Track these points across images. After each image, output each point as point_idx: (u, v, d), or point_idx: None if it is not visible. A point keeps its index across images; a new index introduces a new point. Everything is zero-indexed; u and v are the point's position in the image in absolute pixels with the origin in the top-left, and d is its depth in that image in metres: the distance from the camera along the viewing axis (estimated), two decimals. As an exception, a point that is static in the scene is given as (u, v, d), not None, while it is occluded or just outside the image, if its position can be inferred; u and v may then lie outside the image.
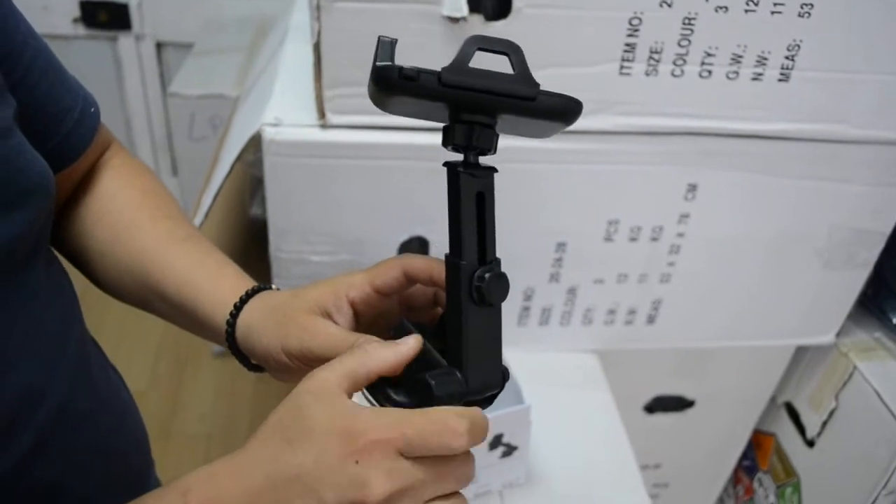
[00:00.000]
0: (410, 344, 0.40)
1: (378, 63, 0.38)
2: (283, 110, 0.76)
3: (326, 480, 0.35)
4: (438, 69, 0.38)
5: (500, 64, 0.39)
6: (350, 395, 0.38)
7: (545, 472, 0.84)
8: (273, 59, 0.94)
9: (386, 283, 0.45)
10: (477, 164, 0.41)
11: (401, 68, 0.37)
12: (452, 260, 0.40)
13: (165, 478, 0.51)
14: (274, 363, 0.46)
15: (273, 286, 0.52)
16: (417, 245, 0.83)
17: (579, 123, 0.75)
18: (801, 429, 1.05)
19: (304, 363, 0.44)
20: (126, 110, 2.12)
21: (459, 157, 0.41)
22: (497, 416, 0.73)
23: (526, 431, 0.77)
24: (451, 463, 0.37)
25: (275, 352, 0.45)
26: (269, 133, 0.74)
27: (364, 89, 0.75)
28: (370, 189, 0.78)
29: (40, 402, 0.43)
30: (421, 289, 0.47)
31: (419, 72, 0.37)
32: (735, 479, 1.23)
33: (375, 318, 0.47)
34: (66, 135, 0.49)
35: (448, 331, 0.41)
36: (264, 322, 0.47)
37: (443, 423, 0.36)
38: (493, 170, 0.41)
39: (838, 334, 0.98)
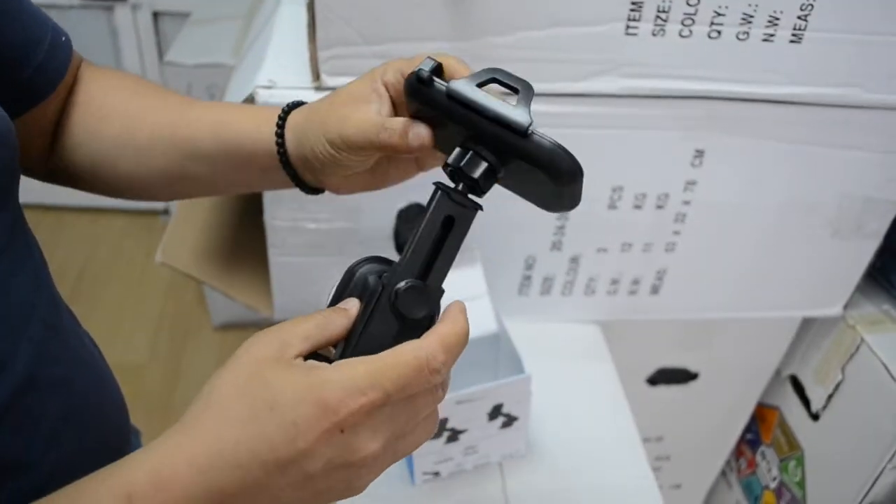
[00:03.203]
0: (354, 303, 0.40)
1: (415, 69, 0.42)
2: (277, 72, 0.74)
3: (313, 454, 0.34)
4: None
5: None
6: (305, 358, 0.37)
7: (546, 444, 0.83)
8: (268, 22, 0.91)
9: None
10: (463, 193, 0.41)
11: (420, 72, 0.41)
12: (392, 266, 0.41)
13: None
14: (324, 160, 0.47)
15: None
16: (416, 211, 0.81)
17: (582, 85, 0.74)
18: (805, 402, 1.04)
19: (347, 150, 0.46)
20: (123, 80, 2.09)
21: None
22: (497, 385, 0.72)
23: (526, 402, 0.76)
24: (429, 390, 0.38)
25: (321, 148, 0.46)
26: (262, 95, 0.72)
27: (359, 49, 0.72)
28: (367, 154, 0.76)
29: (4, 370, 0.41)
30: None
31: (432, 79, 0.41)
32: (738, 453, 1.22)
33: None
34: (37, 67, 0.48)
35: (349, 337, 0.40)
36: (308, 121, 0.48)
37: (417, 363, 0.35)
38: (477, 207, 0.41)
39: (846, 306, 0.96)
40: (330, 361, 0.38)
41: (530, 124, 0.39)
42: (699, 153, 0.80)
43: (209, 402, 0.36)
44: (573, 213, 0.83)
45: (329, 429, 0.34)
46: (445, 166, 0.42)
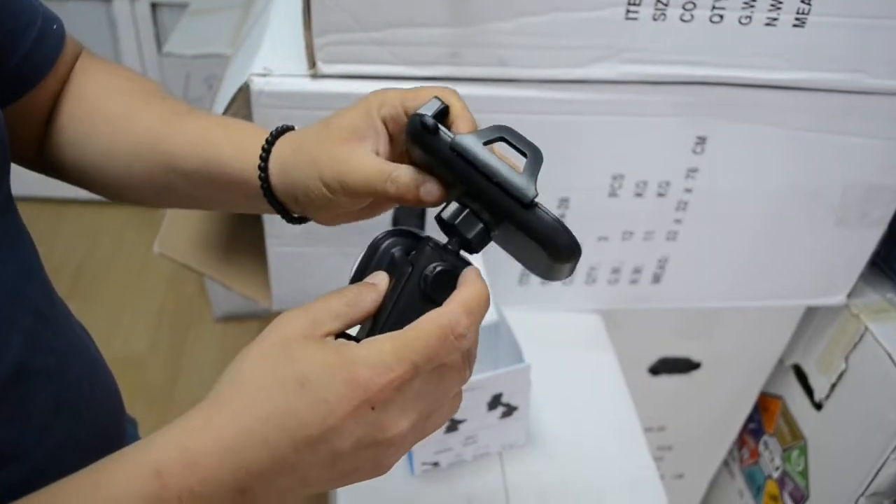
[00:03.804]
0: (382, 277, 0.39)
1: (417, 111, 0.40)
2: (273, 60, 0.73)
3: (343, 431, 0.34)
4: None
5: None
6: (336, 336, 0.36)
7: (546, 435, 0.83)
8: (265, 10, 0.91)
9: (418, 106, 0.42)
10: (456, 252, 0.40)
11: (424, 118, 0.39)
12: (413, 240, 0.40)
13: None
14: (315, 200, 0.44)
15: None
16: (414, 200, 0.81)
17: (582, 72, 0.73)
18: (808, 391, 1.03)
19: (346, 195, 0.43)
20: (122, 72, 2.09)
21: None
22: (496, 375, 0.71)
23: (526, 391, 0.75)
24: (454, 361, 0.37)
25: (314, 186, 0.43)
26: (257, 84, 0.71)
27: (355, 35, 0.71)
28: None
29: None
30: None
31: (438, 128, 0.39)
32: (740, 442, 1.21)
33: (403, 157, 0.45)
34: (25, 55, 0.47)
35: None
36: (297, 158, 0.44)
37: (441, 331, 0.35)
38: (468, 264, 0.40)
39: (850, 295, 0.96)
40: (357, 340, 0.37)
41: (535, 197, 0.38)
42: (701, 140, 0.79)
43: (238, 379, 0.35)
44: (573, 200, 0.82)
45: (359, 406, 0.33)
46: (439, 219, 0.40)
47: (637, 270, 0.90)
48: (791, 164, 0.82)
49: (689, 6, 0.68)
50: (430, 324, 0.35)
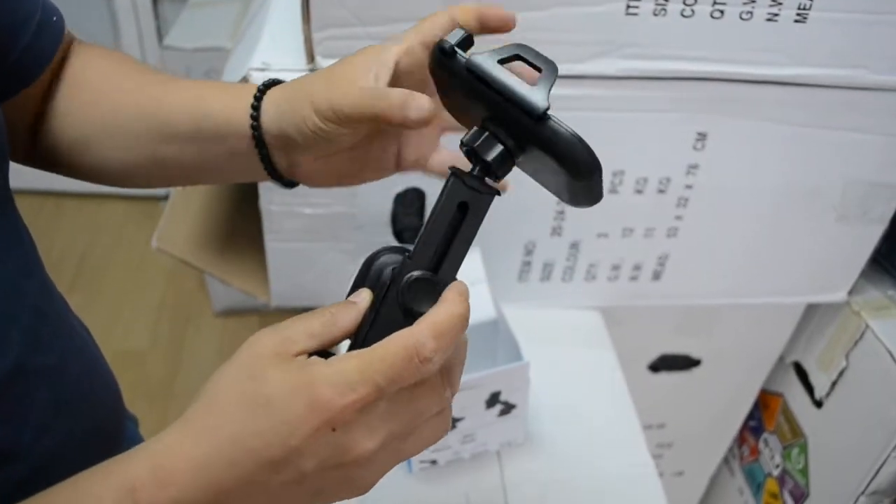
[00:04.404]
0: (365, 295, 0.38)
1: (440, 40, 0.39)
2: (272, 54, 0.73)
3: (305, 452, 0.33)
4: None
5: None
6: (309, 355, 0.36)
7: (545, 432, 0.83)
8: (265, 4, 0.90)
9: (434, 33, 0.42)
10: (478, 178, 0.38)
11: (443, 43, 0.38)
12: (403, 258, 0.38)
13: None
14: (307, 135, 0.42)
15: None
16: (414, 195, 0.80)
17: (582, 67, 0.73)
18: (809, 389, 1.03)
19: (337, 122, 0.41)
20: (123, 65, 2.09)
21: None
22: (495, 372, 0.71)
23: (525, 389, 0.75)
24: (427, 381, 0.36)
25: (307, 116, 0.42)
26: (256, 78, 0.71)
27: (354, 30, 0.71)
28: (363, 138, 0.75)
29: None
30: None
31: (455, 51, 0.38)
32: (740, 440, 1.21)
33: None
34: (24, 49, 0.46)
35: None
36: (293, 94, 0.44)
37: (407, 354, 0.34)
38: (493, 192, 0.38)
39: (850, 292, 0.95)
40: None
41: (546, 109, 0.37)
42: (701, 136, 0.78)
43: (209, 398, 0.35)
44: (573, 197, 0.82)
45: (320, 427, 0.33)
46: (462, 145, 0.40)
47: (637, 267, 0.90)
48: (792, 160, 0.81)
49: (690, 1, 0.68)
50: (395, 345, 0.34)
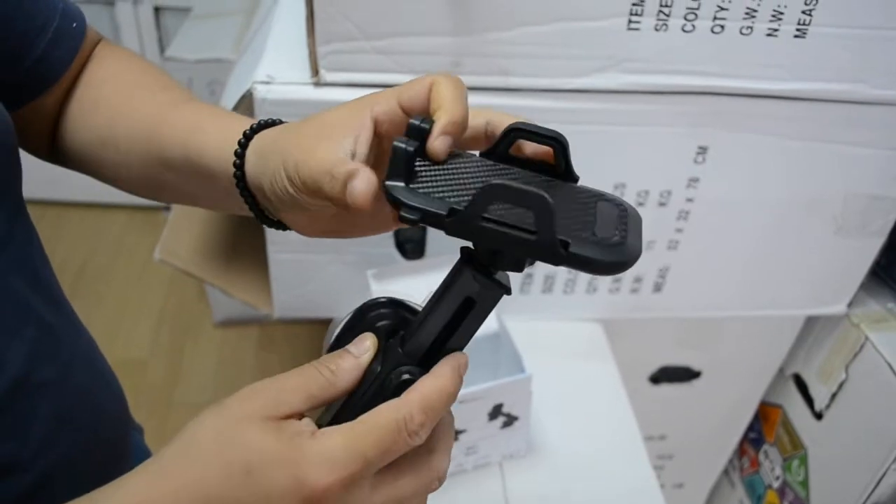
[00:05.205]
0: (367, 347, 0.36)
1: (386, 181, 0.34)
2: (276, 67, 0.74)
3: None
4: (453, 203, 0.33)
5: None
6: (302, 417, 0.34)
7: (547, 444, 0.83)
8: (268, 17, 0.91)
9: (412, 99, 0.38)
10: (489, 273, 0.34)
11: (401, 199, 0.33)
12: (394, 344, 0.36)
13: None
14: (279, 193, 0.39)
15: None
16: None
17: (584, 81, 0.73)
18: (809, 401, 1.03)
19: (307, 195, 0.38)
20: (125, 76, 2.09)
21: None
22: (497, 385, 0.71)
23: (527, 401, 0.75)
24: (412, 466, 0.35)
25: (278, 177, 0.38)
26: (260, 91, 0.71)
27: (359, 44, 0.71)
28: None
29: None
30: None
31: (423, 214, 0.33)
32: (741, 452, 1.21)
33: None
34: (39, 58, 0.46)
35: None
36: (274, 146, 0.40)
37: (396, 425, 0.33)
38: (504, 290, 0.35)
39: (850, 304, 0.95)
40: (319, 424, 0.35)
41: (567, 247, 0.31)
42: (702, 150, 0.79)
43: (189, 448, 0.34)
44: (575, 210, 0.82)
45: (302, 503, 0.32)
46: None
47: (638, 280, 0.90)
48: (792, 174, 0.82)
49: (691, 16, 0.68)
50: (384, 416, 0.33)
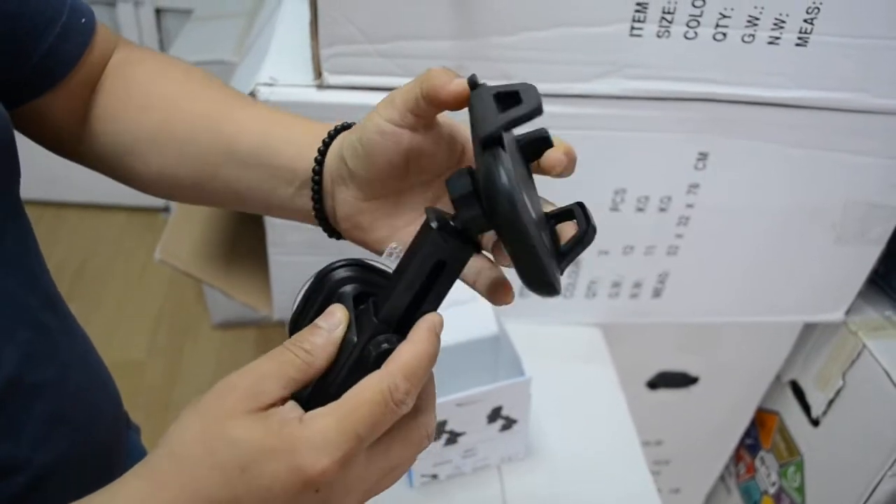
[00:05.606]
0: (339, 320, 0.36)
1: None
2: (279, 69, 0.74)
3: None
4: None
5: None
6: (284, 402, 0.34)
7: (545, 447, 0.83)
8: (271, 19, 0.91)
9: (433, 87, 0.40)
10: (460, 232, 0.35)
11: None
12: (366, 311, 0.36)
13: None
14: (354, 153, 0.41)
15: None
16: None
17: (586, 87, 0.74)
18: (805, 408, 1.03)
19: (380, 136, 0.39)
20: (125, 77, 2.09)
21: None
22: (496, 388, 0.71)
23: (526, 404, 0.75)
24: (402, 430, 0.35)
25: (367, 125, 0.40)
26: (263, 93, 0.71)
27: (362, 47, 0.72)
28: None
29: None
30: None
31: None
32: (737, 458, 1.21)
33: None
34: (46, 54, 0.46)
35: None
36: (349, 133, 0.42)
37: (383, 398, 0.33)
38: (475, 248, 0.36)
39: (848, 312, 0.96)
40: (300, 401, 0.35)
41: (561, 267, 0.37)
42: (703, 156, 0.79)
43: (178, 453, 0.33)
44: (575, 214, 0.83)
45: (303, 490, 0.32)
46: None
47: (637, 285, 0.91)
48: (792, 181, 0.82)
49: (694, 24, 0.69)
50: (369, 391, 0.33)
